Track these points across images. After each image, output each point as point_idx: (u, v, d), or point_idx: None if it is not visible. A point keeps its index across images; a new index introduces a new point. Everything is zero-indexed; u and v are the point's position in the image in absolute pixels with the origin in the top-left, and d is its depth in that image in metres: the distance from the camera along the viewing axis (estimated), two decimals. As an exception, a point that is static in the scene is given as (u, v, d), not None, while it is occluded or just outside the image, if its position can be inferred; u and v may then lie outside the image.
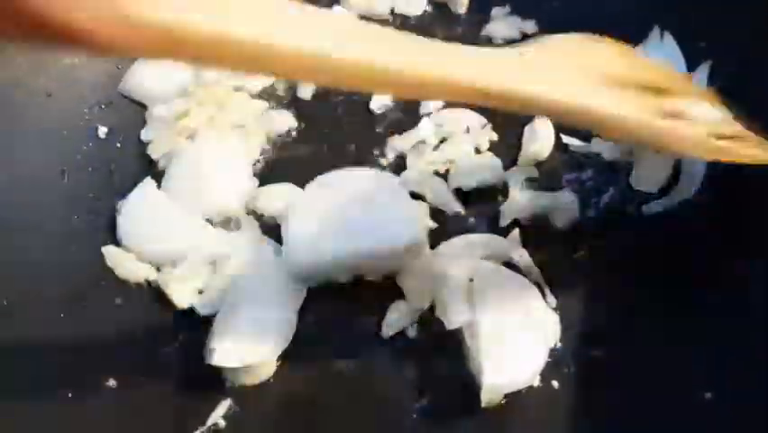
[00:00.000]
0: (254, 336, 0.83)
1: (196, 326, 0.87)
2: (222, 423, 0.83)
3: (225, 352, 0.82)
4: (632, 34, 0.91)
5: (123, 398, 0.84)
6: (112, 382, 0.85)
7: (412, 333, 0.86)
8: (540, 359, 0.82)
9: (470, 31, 1.09)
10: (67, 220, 0.96)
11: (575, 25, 0.80)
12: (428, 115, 1.00)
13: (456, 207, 0.94)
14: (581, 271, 0.89)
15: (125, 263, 0.92)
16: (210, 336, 0.85)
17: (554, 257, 0.90)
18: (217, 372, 0.84)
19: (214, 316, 0.86)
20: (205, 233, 0.92)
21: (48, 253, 0.93)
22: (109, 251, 0.93)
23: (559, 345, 0.84)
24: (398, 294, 0.88)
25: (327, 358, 0.86)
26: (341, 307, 0.89)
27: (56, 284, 0.91)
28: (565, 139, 0.97)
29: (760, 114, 0.81)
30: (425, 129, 0.99)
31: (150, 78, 1.04)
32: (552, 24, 0.94)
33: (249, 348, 0.82)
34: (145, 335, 0.88)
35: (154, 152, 0.99)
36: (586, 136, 0.97)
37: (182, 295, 0.88)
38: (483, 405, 0.80)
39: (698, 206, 0.91)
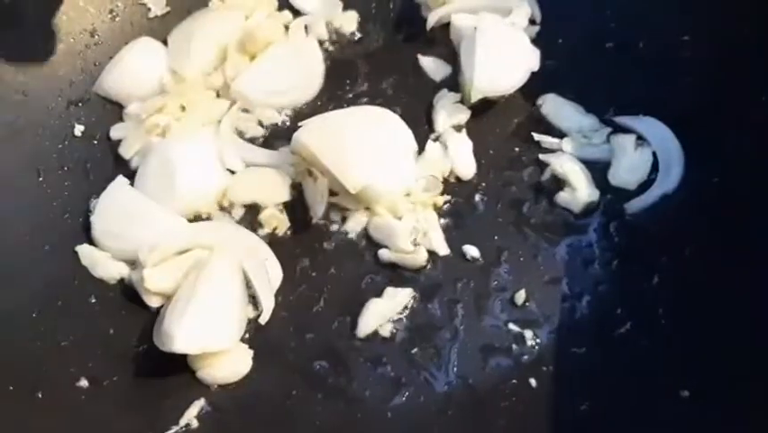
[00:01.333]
0: (215, 321, 0.82)
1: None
2: (195, 423, 0.82)
3: (187, 338, 0.80)
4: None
5: (94, 398, 0.83)
6: (84, 382, 0.84)
7: (385, 332, 0.86)
8: (521, 75, 0.97)
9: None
10: (41, 219, 0.95)
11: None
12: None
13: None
14: (562, 269, 0.88)
15: (100, 262, 0.91)
16: (165, 321, 0.82)
17: (533, 256, 0.89)
18: (191, 371, 0.83)
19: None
20: (179, 228, 0.91)
21: (22, 251, 0.92)
22: (84, 250, 0.92)
23: (537, 340, 0.84)
24: (374, 293, 0.87)
25: (302, 358, 0.85)
26: (316, 306, 0.88)
27: (29, 283, 0.90)
28: (537, 137, 0.96)
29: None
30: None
31: (125, 78, 1.03)
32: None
33: (210, 334, 0.81)
34: (118, 333, 0.87)
35: (126, 150, 0.99)
36: (559, 134, 0.97)
37: (154, 296, 0.87)
38: (471, 101, 0.96)
39: (677, 200, 0.90)
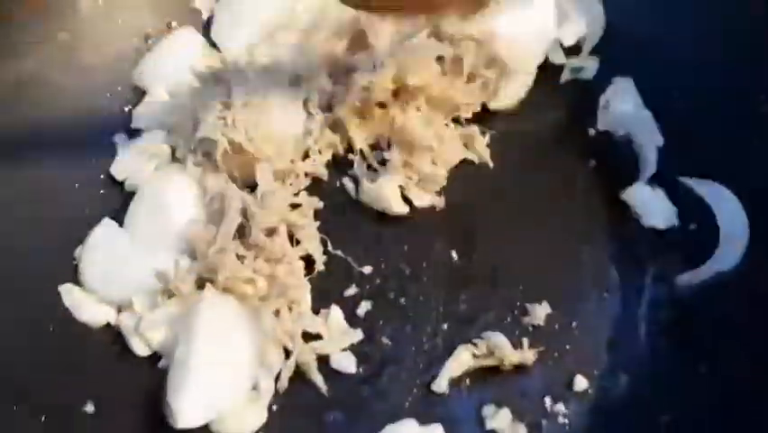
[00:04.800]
0: (218, 383, 0.77)
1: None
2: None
3: (192, 412, 0.75)
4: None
5: (99, 423, 0.80)
6: (89, 407, 0.81)
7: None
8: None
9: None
10: (41, 246, 0.89)
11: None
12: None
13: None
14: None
15: (84, 305, 0.85)
16: (168, 391, 0.77)
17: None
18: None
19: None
20: (169, 271, 0.84)
21: (22, 273, 0.87)
22: (66, 289, 0.86)
23: (569, 418, 0.81)
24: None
25: (315, 408, 0.81)
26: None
27: (38, 306, 0.86)
28: None
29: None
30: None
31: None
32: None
33: (217, 400, 0.76)
34: (124, 358, 0.83)
35: (119, 173, 0.94)
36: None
37: (142, 344, 0.83)
38: None
39: (734, 282, 0.84)
